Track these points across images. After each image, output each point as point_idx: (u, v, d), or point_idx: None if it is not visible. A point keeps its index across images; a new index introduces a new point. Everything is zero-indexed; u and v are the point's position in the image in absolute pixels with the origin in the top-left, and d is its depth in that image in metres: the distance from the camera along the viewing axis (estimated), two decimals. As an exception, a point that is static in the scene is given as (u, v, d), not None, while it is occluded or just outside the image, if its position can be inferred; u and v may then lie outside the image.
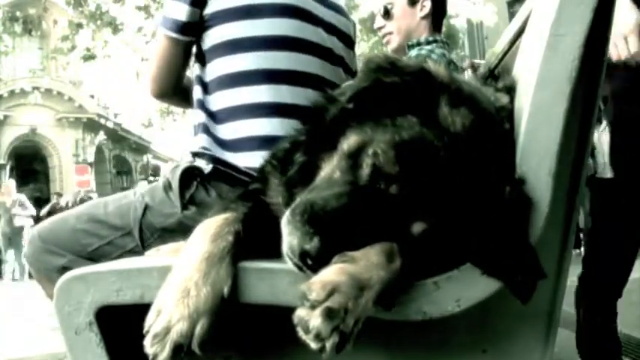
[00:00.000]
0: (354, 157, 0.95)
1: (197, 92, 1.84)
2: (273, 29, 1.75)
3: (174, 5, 1.76)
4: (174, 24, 1.77)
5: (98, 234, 1.73)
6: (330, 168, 0.98)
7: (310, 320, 0.79)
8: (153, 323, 0.92)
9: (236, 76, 1.74)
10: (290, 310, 0.83)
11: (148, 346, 0.90)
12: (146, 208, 1.73)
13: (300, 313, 0.81)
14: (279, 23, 1.76)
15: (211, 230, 1.03)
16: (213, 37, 1.76)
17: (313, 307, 0.80)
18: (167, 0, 1.80)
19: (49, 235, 1.78)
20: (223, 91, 1.75)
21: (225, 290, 0.97)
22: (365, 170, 0.94)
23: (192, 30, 1.78)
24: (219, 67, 1.76)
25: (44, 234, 1.80)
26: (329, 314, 0.79)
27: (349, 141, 0.98)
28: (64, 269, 1.67)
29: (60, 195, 15.32)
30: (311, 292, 0.81)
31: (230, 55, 1.74)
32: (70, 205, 14.01)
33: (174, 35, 1.78)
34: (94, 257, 1.71)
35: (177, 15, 1.76)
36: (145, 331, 0.92)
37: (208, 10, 1.75)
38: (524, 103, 1.00)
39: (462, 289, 0.96)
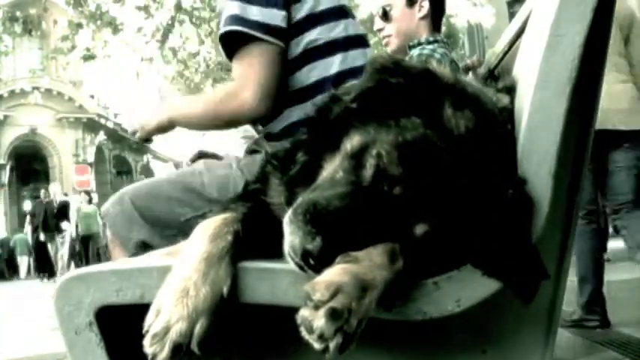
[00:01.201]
0: (357, 158, 0.95)
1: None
2: (349, 30, 1.76)
3: (266, 11, 1.64)
4: (274, 31, 1.65)
5: (193, 204, 1.65)
6: (333, 168, 0.98)
7: (314, 320, 0.79)
8: (152, 323, 0.92)
9: (327, 80, 1.70)
10: (290, 310, 0.83)
11: (147, 346, 0.90)
12: (247, 185, 1.68)
13: (304, 313, 0.81)
14: (351, 24, 1.78)
15: (210, 230, 1.03)
16: (301, 43, 1.70)
17: (317, 307, 0.80)
18: (255, 7, 1.66)
19: (143, 202, 1.71)
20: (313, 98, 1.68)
21: (225, 290, 0.97)
22: (368, 171, 0.93)
23: (285, 38, 1.69)
24: (309, 74, 1.71)
25: (139, 200, 1.71)
26: (333, 315, 0.79)
27: (352, 141, 0.97)
28: (144, 245, 1.64)
29: (47, 192, 14.99)
30: (315, 292, 0.81)
31: (319, 60, 1.70)
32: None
33: (277, 42, 1.66)
34: (185, 228, 1.65)
35: (276, 21, 1.65)
36: (144, 331, 0.92)
37: (296, 16, 1.69)
38: (524, 103, 1.00)
39: (462, 289, 0.96)
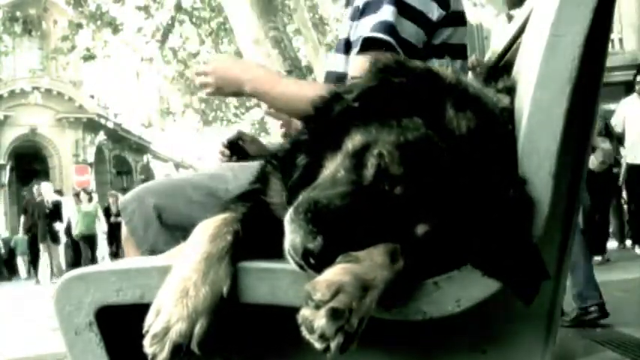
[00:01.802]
0: (359, 157, 0.95)
1: None
2: (464, 68, 1.76)
3: (416, 31, 1.60)
4: (414, 51, 1.59)
5: (213, 211, 1.64)
6: (334, 167, 0.98)
7: (315, 320, 0.79)
8: (152, 323, 0.92)
9: None
10: (290, 310, 0.83)
11: (147, 346, 0.90)
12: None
13: (305, 312, 0.81)
14: (464, 65, 1.78)
15: (210, 230, 1.03)
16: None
17: (318, 307, 0.80)
18: (410, 23, 1.60)
19: (163, 202, 1.67)
20: None
21: (224, 290, 0.97)
22: (369, 170, 0.94)
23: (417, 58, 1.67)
24: None
25: (159, 200, 1.67)
26: (334, 314, 0.79)
27: (354, 140, 0.98)
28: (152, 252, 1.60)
29: (39, 189, 14.38)
30: (316, 291, 0.81)
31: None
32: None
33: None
34: None
35: (419, 42, 1.61)
36: (144, 331, 0.92)
37: (431, 41, 1.66)
38: (524, 103, 1.00)
39: (462, 289, 0.96)
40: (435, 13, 1.62)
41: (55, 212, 13.43)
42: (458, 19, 1.70)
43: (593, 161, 6.79)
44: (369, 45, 1.59)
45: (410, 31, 1.59)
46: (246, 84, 1.72)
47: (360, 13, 1.66)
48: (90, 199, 13.93)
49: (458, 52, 1.71)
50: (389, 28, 1.57)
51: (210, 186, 1.69)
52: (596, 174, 6.89)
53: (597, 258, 7.10)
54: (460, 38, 1.72)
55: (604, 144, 6.94)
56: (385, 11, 1.59)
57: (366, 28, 1.61)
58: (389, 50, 1.55)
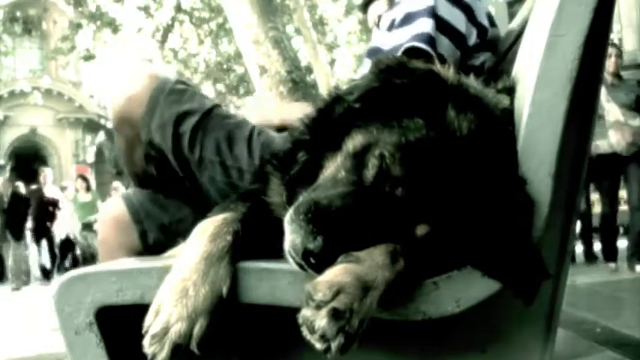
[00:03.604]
0: (360, 158, 0.95)
1: None
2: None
3: (452, 49, 1.59)
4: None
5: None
6: (335, 167, 0.98)
7: (316, 320, 0.79)
8: (151, 323, 0.92)
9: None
10: (290, 311, 0.83)
11: (147, 346, 0.90)
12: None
13: (306, 313, 0.81)
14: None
15: (210, 230, 1.03)
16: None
17: (319, 307, 0.80)
18: (447, 40, 1.60)
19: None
20: None
21: (224, 290, 0.97)
22: (370, 171, 0.94)
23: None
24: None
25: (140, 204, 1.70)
26: (335, 315, 0.79)
27: (355, 141, 0.97)
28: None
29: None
30: (317, 292, 0.81)
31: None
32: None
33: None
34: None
35: (450, 58, 1.58)
36: (143, 331, 0.91)
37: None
38: (524, 104, 1.00)
39: (461, 289, 0.96)
40: (472, 38, 1.63)
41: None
42: (493, 47, 1.71)
43: (620, 142, 5.56)
44: (411, 54, 1.54)
45: (446, 47, 1.59)
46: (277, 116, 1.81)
47: (400, 24, 1.64)
48: (88, 188, 12.52)
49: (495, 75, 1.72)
50: (428, 38, 1.55)
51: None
52: (622, 157, 5.62)
53: (611, 265, 5.91)
54: (489, 60, 1.72)
55: (633, 121, 5.62)
56: (424, 23, 1.58)
57: (402, 38, 1.59)
58: (424, 58, 1.49)
